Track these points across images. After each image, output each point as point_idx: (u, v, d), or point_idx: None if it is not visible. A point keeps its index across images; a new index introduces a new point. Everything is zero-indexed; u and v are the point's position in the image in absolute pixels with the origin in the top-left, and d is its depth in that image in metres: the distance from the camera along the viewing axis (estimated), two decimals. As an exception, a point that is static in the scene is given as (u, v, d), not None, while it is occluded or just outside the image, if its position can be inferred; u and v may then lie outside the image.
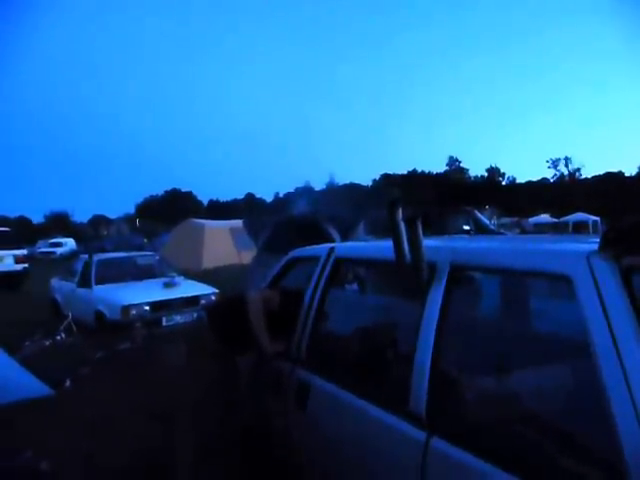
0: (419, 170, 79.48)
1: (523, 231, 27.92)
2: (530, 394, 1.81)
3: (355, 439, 2.17)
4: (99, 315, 8.19)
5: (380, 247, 2.65)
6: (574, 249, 1.71)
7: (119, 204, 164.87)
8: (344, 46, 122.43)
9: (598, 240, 1.53)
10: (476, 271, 2.13)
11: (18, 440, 3.58)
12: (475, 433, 1.73)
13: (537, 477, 1.46)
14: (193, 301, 8.59)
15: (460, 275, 2.01)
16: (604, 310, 1.41)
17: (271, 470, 2.80)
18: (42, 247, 36.97)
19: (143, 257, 10.57)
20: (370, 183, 77.53)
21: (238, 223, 13.35)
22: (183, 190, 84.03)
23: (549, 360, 1.89)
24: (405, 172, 78.09)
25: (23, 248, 17.00)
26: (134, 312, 7.90)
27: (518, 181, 77.55)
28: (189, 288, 9.00)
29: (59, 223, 67.39)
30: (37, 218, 77.38)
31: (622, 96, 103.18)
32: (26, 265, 15.91)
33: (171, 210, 60.59)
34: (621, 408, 1.29)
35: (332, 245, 2.97)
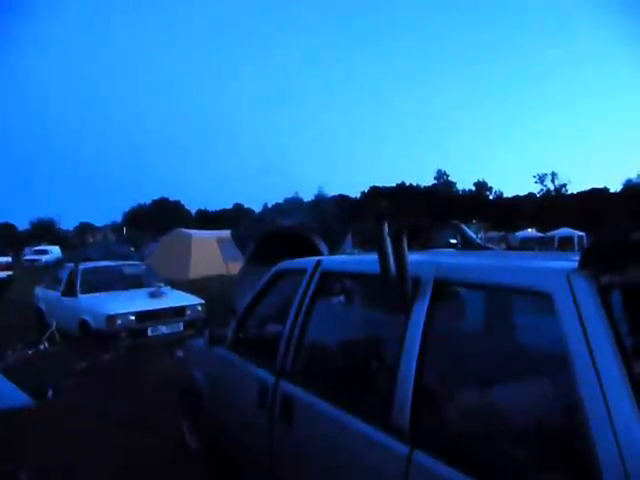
0: (408, 183, 80.00)
1: (509, 246, 28.04)
2: (513, 408, 1.83)
3: (339, 452, 2.17)
4: (84, 324, 8.10)
5: (366, 261, 2.67)
6: (555, 267, 1.74)
7: (106, 212, 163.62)
8: (333, 57, 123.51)
9: (579, 258, 1.57)
10: (460, 286, 2.16)
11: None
12: (458, 447, 1.74)
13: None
14: (179, 311, 8.54)
15: (444, 290, 2.04)
16: (583, 327, 1.44)
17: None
18: (27, 254, 36.57)
19: (129, 266, 10.50)
20: (359, 195, 77.95)
21: (226, 233, 13.31)
22: (171, 199, 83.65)
23: (531, 375, 1.91)
24: (394, 185, 78.58)
25: (8, 255, 16.85)
26: (119, 322, 7.83)
27: (505, 195, 78.40)
28: (175, 298, 8.94)
29: (45, 230, 66.68)
30: (22, 225, 76.53)
31: (609, 113, 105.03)
32: (11, 273, 15.77)
33: (159, 219, 60.20)
34: (598, 423, 1.32)
35: (319, 258, 2.98)
